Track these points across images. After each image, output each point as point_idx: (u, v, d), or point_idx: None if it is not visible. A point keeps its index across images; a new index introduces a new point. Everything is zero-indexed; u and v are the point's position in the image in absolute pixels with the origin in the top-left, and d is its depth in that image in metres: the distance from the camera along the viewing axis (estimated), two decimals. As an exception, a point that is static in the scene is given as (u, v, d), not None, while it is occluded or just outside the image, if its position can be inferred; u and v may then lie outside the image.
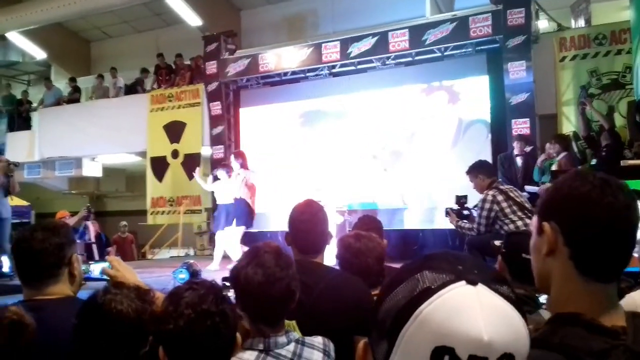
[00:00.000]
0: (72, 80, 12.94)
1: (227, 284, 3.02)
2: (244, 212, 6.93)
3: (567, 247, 0.94)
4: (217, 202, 7.25)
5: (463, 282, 0.59)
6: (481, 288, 0.59)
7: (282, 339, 1.57)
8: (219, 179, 7.41)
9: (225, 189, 7.21)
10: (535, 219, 1.03)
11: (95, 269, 3.84)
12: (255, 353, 1.53)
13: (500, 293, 0.60)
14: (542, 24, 8.77)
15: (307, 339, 1.64)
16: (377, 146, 8.86)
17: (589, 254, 0.93)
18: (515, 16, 7.61)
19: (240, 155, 7.25)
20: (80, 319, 1.38)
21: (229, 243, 7.01)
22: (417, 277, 0.62)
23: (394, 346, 0.60)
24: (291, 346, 1.58)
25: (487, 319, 0.57)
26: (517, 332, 0.59)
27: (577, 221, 0.93)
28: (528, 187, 6.24)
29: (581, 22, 8.29)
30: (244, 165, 7.10)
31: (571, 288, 0.94)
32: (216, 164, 9.04)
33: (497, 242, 2.45)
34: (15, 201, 8.11)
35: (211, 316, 1.29)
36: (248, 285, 1.56)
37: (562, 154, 6.36)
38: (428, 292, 0.59)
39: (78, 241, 6.82)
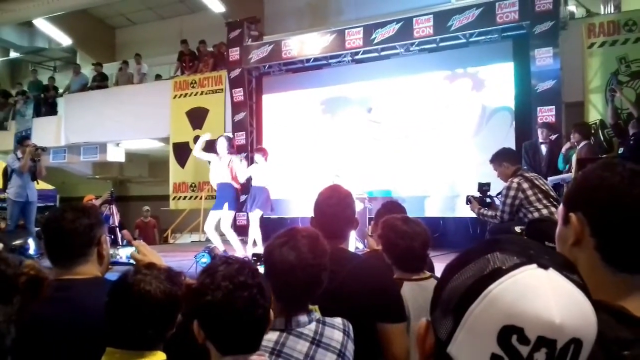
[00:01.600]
0: (98, 65, 13.08)
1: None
2: (232, 197, 6.90)
3: (594, 237, 0.93)
4: (218, 182, 7.12)
5: (534, 265, 0.59)
6: (552, 272, 0.59)
7: (304, 318, 1.59)
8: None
9: (215, 169, 7.09)
10: (561, 208, 1.02)
11: (123, 253, 3.92)
12: (277, 333, 1.55)
13: (571, 279, 0.60)
14: (571, 10, 8.56)
15: (328, 319, 1.66)
16: (399, 134, 8.80)
17: (616, 245, 0.92)
18: (543, 2, 7.42)
19: (227, 139, 7.23)
20: (110, 297, 1.41)
21: (224, 226, 6.94)
22: (487, 258, 0.62)
23: (459, 323, 0.60)
24: (312, 325, 1.60)
25: (559, 302, 0.57)
26: (587, 318, 0.59)
27: (604, 212, 0.92)
28: (551, 178, 6.12)
29: (610, 8, 8.09)
30: (231, 150, 7.09)
31: (597, 279, 0.93)
32: (238, 150, 9.07)
33: (518, 229, 2.41)
34: (41, 185, 8.27)
35: (249, 288, 1.28)
36: (280, 264, 1.57)
37: (583, 143, 6.24)
38: (499, 272, 0.60)
39: (104, 224, 6.91)
